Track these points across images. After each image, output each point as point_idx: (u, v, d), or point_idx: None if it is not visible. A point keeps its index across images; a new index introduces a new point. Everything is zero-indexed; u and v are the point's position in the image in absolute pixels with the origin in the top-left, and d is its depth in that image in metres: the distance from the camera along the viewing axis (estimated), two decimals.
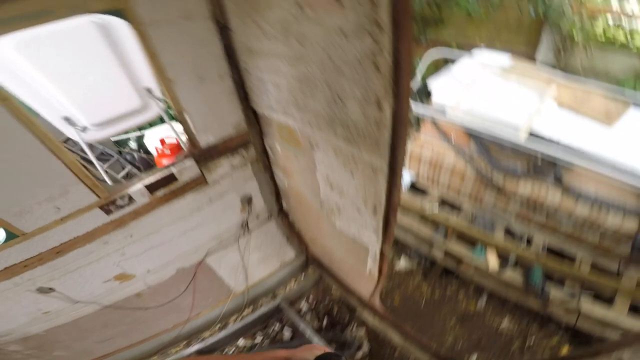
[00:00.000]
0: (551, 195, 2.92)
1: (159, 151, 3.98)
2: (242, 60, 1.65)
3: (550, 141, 2.81)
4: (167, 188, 1.85)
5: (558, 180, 2.90)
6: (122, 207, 1.77)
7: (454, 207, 3.56)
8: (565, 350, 2.93)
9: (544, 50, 5.22)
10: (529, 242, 3.15)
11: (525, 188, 3.02)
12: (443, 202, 3.63)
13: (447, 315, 3.40)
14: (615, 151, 2.63)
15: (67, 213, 1.65)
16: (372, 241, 1.63)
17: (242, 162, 2.07)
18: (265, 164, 2.18)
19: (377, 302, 2.47)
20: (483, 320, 3.32)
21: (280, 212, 2.54)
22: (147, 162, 4.32)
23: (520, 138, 2.85)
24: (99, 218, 1.75)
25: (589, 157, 2.68)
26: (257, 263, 2.63)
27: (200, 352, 2.55)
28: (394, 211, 1.36)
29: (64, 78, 2.23)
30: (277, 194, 2.39)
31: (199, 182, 1.95)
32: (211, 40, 1.57)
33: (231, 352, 3.31)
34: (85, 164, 2.14)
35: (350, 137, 1.27)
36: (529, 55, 5.28)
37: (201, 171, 1.92)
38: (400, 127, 1.02)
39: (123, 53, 2.33)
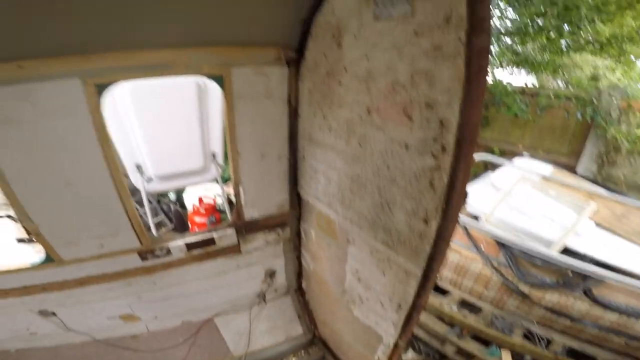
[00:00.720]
0: (578, 305, 2.80)
1: (195, 208, 4.19)
2: (301, 146, 1.84)
3: (583, 257, 2.75)
4: (203, 249, 1.95)
5: (587, 293, 2.77)
6: (158, 257, 1.86)
7: (473, 309, 3.37)
8: None
9: (587, 159, 5.17)
10: (548, 344, 2.89)
11: (552, 297, 2.91)
12: (463, 303, 3.47)
13: None
14: None
15: (108, 251, 1.73)
16: (389, 333, 1.58)
17: (276, 239, 2.17)
18: (296, 245, 2.26)
19: None
20: None
21: (298, 290, 2.53)
22: (180, 216, 4.52)
23: (553, 253, 2.81)
24: (133, 262, 1.83)
25: (621, 272, 2.59)
26: (263, 332, 2.54)
27: None
28: (418, 311, 1.35)
29: (152, 127, 2.49)
30: (299, 273, 2.42)
31: (234, 250, 2.04)
32: (280, 122, 1.78)
33: None
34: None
35: (390, 242, 1.33)
36: (571, 165, 5.24)
37: (238, 241, 2.02)
38: (443, 242, 1.08)
39: (206, 117, 2.61)
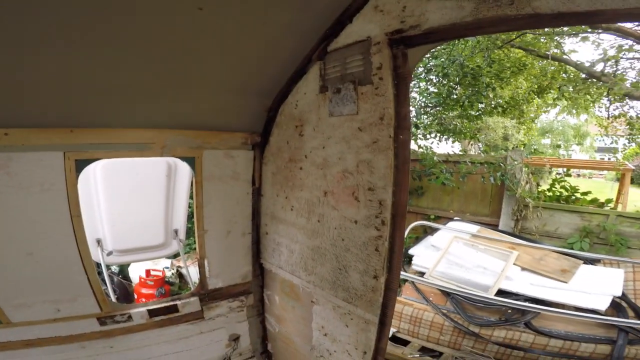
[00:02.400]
0: (524, 337, 3.16)
1: (142, 280, 4.02)
2: (264, 222, 2.08)
3: (516, 296, 3.23)
4: (166, 316, 1.98)
5: (528, 325, 3.17)
6: (118, 322, 1.85)
7: (433, 355, 3.61)
8: None
9: (505, 217, 6.05)
10: None
11: (500, 333, 3.24)
12: (424, 349, 3.71)
13: None
14: (574, 298, 3.05)
15: (64, 316, 1.70)
16: None
17: (240, 306, 2.27)
18: (259, 310, 2.38)
19: None
20: None
21: (263, 353, 2.54)
22: (124, 287, 4.27)
23: (490, 296, 3.25)
24: (91, 326, 1.80)
25: (553, 305, 3.06)
26: None
27: None
28: (382, 355, 1.56)
29: (118, 203, 2.56)
30: (264, 336, 2.47)
31: (197, 317, 2.09)
32: (245, 201, 2.02)
33: None
34: None
35: (349, 298, 1.57)
36: (493, 223, 6.08)
37: (202, 308, 2.09)
38: (391, 292, 1.37)
39: (172, 195, 2.74)
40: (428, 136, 7.46)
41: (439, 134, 7.51)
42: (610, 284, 3.24)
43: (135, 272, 4.35)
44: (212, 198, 1.90)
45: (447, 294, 3.64)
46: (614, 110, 6.81)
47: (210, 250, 2.00)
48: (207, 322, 2.16)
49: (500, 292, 3.33)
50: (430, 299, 3.76)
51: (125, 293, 4.15)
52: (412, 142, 7.38)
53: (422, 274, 3.89)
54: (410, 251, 4.25)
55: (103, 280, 4.08)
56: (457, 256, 3.86)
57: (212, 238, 1.98)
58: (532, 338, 3.19)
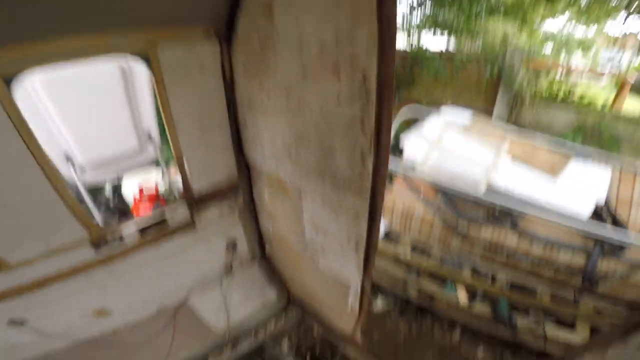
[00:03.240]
0: (509, 239, 3.31)
1: (137, 200, 4.02)
2: (241, 115, 1.89)
3: (505, 193, 3.24)
4: (157, 230, 1.96)
5: (514, 226, 3.29)
6: (111, 245, 1.84)
7: (424, 251, 3.83)
8: None
9: (500, 106, 6.04)
10: (493, 279, 3.43)
11: (487, 233, 3.39)
12: (414, 247, 3.91)
13: (426, 350, 3.48)
14: (560, 200, 3.07)
15: (56, 246, 1.67)
16: (354, 276, 1.79)
17: (230, 208, 2.23)
18: (251, 210, 2.35)
19: (358, 337, 2.56)
20: (459, 352, 3.43)
21: (263, 256, 2.66)
22: (124, 213, 4.31)
23: (480, 191, 3.26)
24: (87, 254, 1.79)
25: (538, 206, 3.10)
26: (238, 303, 2.65)
27: None
28: (374, 247, 1.57)
29: (74, 116, 2.33)
30: (260, 238, 2.54)
31: (188, 226, 2.07)
32: (217, 96, 1.81)
33: None
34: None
35: (337, 186, 1.49)
36: (488, 110, 6.07)
37: (191, 216, 2.05)
38: (379, 177, 1.27)
39: (134, 98, 2.49)
40: (424, 30, 6.86)
41: (436, 28, 6.87)
42: (596, 185, 3.24)
43: (130, 193, 4.33)
44: (177, 95, 1.69)
45: (438, 188, 3.64)
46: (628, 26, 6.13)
47: (187, 150, 1.87)
48: (200, 232, 2.15)
49: (490, 187, 3.33)
50: (421, 193, 3.76)
51: (125, 217, 4.20)
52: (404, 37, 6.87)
53: (413, 167, 3.80)
54: (401, 143, 4.15)
55: (97, 205, 4.11)
56: (448, 148, 3.76)
57: (186, 137, 1.82)
58: (516, 239, 3.32)
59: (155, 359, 2.41)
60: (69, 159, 2.47)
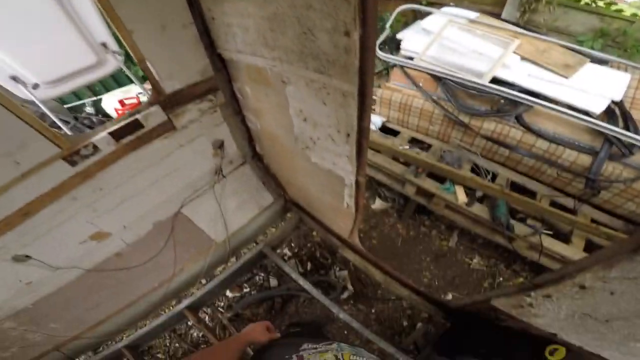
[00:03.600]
0: (513, 133, 3.12)
1: (120, 113, 3.79)
2: (205, 7, 1.60)
3: (512, 86, 2.96)
4: (133, 135, 1.79)
5: (519, 119, 3.08)
6: (87, 157, 1.70)
7: (423, 146, 3.71)
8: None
9: (510, 8, 5.30)
10: (494, 177, 3.35)
11: (489, 125, 3.20)
12: (413, 141, 3.80)
13: (423, 254, 3.63)
14: (570, 95, 2.81)
15: (29, 167, 1.56)
16: (347, 170, 1.67)
17: (211, 106, 2.03)
18: (235, 107, 2.14)
19: (356, 239, 2.58)
20: (455, 258, 3.57)
21: (254, 156, 2.53)
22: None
23: (484, 82, 2.98)
24: (63, 171, 1.67)
25: (546, 99, 2.85)
26: (235, 210, 2.63)
27: (190, 307, 2.60)
28: (366, 137, 1.41)
29: (8, 37, 2.12)
30: (249, 138, 2.37)
31: (167, 128, 1.90)
32: None
33: (221, 305, 3.42)
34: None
35: (321, 67, 1.27)
36: (496, 13, 5.29)
37: (168, 117, 1.86)
38: (368, 52, 1.04)
39: (75, 8, 2.23)
40: None
41: None
42: (612, 87, 2.87)
43: (111, 107, 4.09)
44: None
45: (438, 79, 3.38)
46: None
47: (147, 51, 1.63)
48: (181, 133, 1.98)
49: (495, 81, 3.03)
50: (420, 84, 3.52)
51: None
52: None
53: (411, 59, 3.50)
54: (399, 35, 3.73)
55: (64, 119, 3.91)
56: (451, 40, 3.37)
57: (144, 38, 1.58)
58: (520, 135, 3.09)
59: (164, 277, 2.49)
60: (17, 79, 2.29)
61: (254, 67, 1.65)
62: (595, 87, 2.88)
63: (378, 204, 4.00)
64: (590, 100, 2.80)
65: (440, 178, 3.40)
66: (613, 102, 2.84)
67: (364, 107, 1.27)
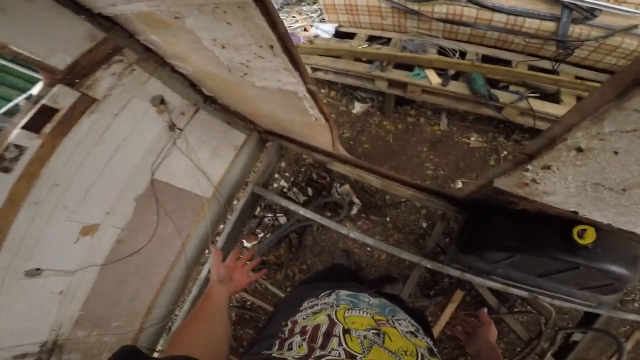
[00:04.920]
0: (467, 12, 2.89)
1: None
2: None
3: None
4: (53, 121, 1.55)
5: None
6: (17, 158, 1.50)
7: (382, 42, 3.44)
8: None
9: None
10: (462, 55, 3.10)
11: (441, 9, 2.95)
12: (371, 39, 3.51)
13: (418, 145, 3.45)
14: None
15: None
16: (294, 83, 1.45)
17: (126, 66, 1.73)
18: (156, 59, 1.84)
19: (340, 149, 2.43)
20: (452, 140, 3.37)
21: (207, 100, 2.26)
22: None
23: None
24: (2, 181, 1.50)
25: None
26: (209, 159, 2.45)
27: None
28: (289, 41, 1.16)
29: None
30: (191, 84, 2.09)
31: (87, 102, 1.63)
32: None
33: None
34: None
35: None
36: None
37: (80, 91, 1.60)
38: None
39: None
40: None
41: None
42: None
43: None
44: None
45: None
46: None
47: (8, 36, 1.35)
48: (107, 102, 1.72)
49: None
50: None
51: None
52: None
53: None
54: None
55: None
56: None
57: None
58: (475, 12, 2.86)
59: (176, 249, 2.43)
60: None
61: (142, 14, 1.34)
62: None
63: (358, 107, 3.74)
64: None
65: (409, 67, 3.08)
66: None
67: (268, 12, 1.01)
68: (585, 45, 2.68)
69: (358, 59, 3.30)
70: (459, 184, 3.17)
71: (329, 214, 3.28)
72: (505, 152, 3.19)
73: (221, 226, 2.96)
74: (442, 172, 3.27)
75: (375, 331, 0.66)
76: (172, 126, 2.09)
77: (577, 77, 2.77)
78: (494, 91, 2.78)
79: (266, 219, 3.57)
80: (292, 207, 2.58)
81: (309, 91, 1.49)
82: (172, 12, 1.23)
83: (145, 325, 2.38)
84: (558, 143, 0.97)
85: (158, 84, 1.92)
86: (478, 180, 1.68)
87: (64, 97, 1.56)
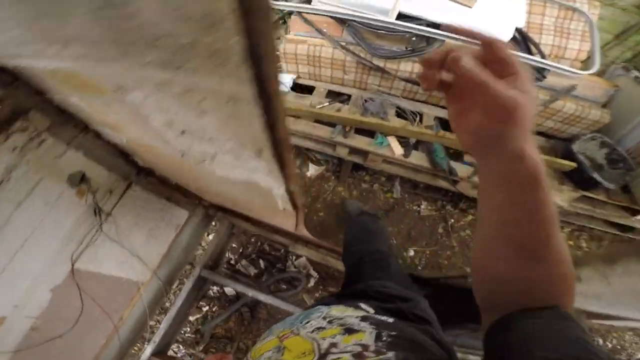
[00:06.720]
0: None
1: None
2: None
3: (419, 21, 2.68)
4: None
5: None
6: None
7: (342, 99, 3.29)
8: None
9: None
10: (420, 118, 3.11)
11: (406, 66, 2.91)
12: (330, 94, 3.35)
13: (372, 211, 3.37)
14: (478, 25, 2.65)
15: None
16: (272, 185, 1.12)
17: (33, 136, 1.21)
18: (76, 124, 1.35)
19: (303, 230, 2.15)
20: (404, 208, 3.36)
21: (140, 172, 1.79)
22: None
23: (391, 19, 2.65)
24: None
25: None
26: (145, 242, 1.95)
27: (156, 354, 2.12)
28: (287, 147, 0.80)
29: None
30: (122, 153, 1.62)
31: None
32: None
33: (188, 331, 2.90)
34: None
35: (169, 59, 0.58)
36: None
37: None
38: (259, 20, 0.40)
39: None
40: None
41: None
42: (514, 13, 2.77)
43: None
44: None
45: (342, 22, 2.88)
46: None
47: None
48: (5, 189, 1.19)
49: (401, 17, 2.69)
50: (325, 30, 2.96)
51: None
52: None
53: (309, 2, 2.97)
54: None
55: None
56: None
57: None
58: None
59: (107, 331, 1.92)
60: None
61: (61, 72, 0.88)
62: (499, 15, 2.75)
63: (312, 170, 3.54)
64: (497, 29, 2.69)
65: (371, 132, 3.01)
66: (517, 27, 2.74)
67: (271, 114, 0.64)
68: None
69: (319, 120, 3.10)
70: (411, 252, 3.14)
71: (284, 286, 2.95)
72: (452, 220, 3.25)
73: (167, 303, 2.52)
74: (395, 241, 3.21)
75: (276, 348, 0.63)
76: (96, 210, 1.57)
77: None
78: (453, 164, 2.86)
79: (211, 291, 3.05)
80: (240, 289, 2.27)
81: (289, 191, 1.19)
82: (112, 80, 0.82)
83: None
84: None
85: (78, 157, 1.41)
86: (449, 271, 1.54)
87: None
